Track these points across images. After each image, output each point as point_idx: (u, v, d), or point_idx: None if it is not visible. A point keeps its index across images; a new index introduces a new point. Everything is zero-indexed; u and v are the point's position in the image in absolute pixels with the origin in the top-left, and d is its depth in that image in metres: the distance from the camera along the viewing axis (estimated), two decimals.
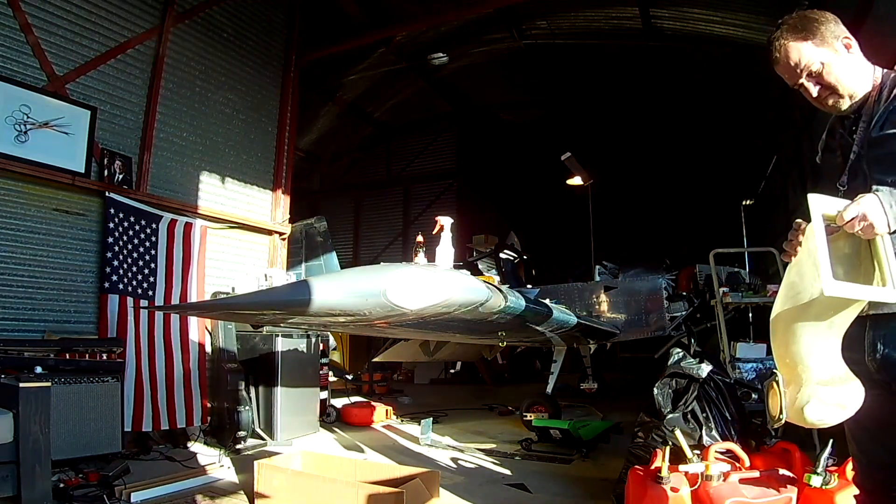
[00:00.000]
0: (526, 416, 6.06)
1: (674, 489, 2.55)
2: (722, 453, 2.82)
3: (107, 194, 4.95)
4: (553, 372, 6.37)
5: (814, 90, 1.65)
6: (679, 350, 3.71)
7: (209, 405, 5.46)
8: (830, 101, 1.65)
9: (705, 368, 3.41)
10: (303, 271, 7.24)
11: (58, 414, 3.47)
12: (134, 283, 5.08)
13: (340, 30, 7.91)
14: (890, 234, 1.39)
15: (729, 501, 2.46)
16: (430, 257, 3.46)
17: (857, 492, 1.80)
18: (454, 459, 4.88)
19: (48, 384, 3.17)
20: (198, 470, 4.29)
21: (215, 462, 4.53)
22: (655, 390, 3.48)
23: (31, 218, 4.53)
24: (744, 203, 9.58)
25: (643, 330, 6.84)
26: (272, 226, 6.73)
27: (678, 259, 7.35)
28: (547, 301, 5.12)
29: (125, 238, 5.06)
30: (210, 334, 5.66)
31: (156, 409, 4.97)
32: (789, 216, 8.48)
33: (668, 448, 2.76)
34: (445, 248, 3.44)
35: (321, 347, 6.22)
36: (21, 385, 3.01)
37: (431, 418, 5.91)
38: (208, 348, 5.63)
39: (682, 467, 2.65)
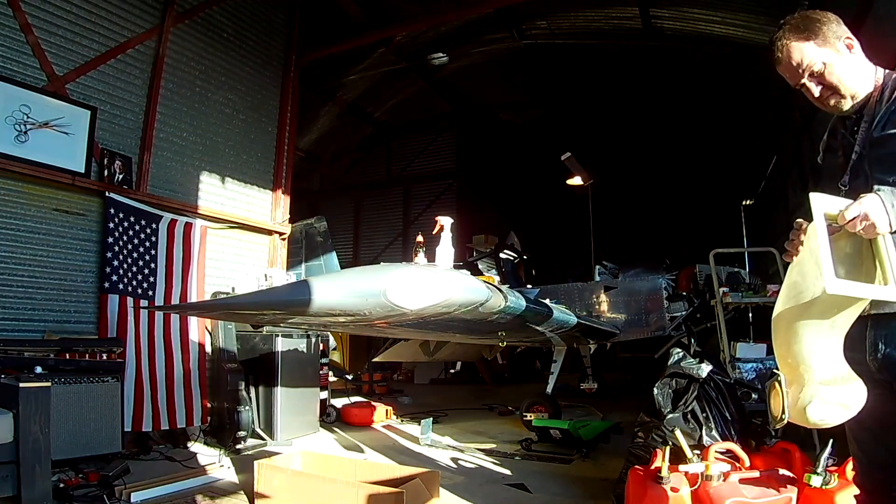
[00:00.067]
0: (526, 416, 6.06)
1: (674, 489, 2.55)
2: (722, 453, 2.82)
3: (107, 194, 4.94)
4: (553, 372, 6.37)
5: (816, 90, 1.66)
6: (679, 350, 3.71)
7: (209, 405, 5.46)
8: (832, 102, 1.66)
9: (705, 368, 3.41)
10: (303, 271, 7.24)
11: (58, 414, 3.47)
12: (134, 283, 5.08)
13: (340, 30, 7.91)
14: (891, 233, 1.39)
15: (729, 501, 2.46)
16: (430, 257, 3.46)
17: (857, 492, 1.81)
18: (454, 459, 4.88)
19: (48, 384, 3.17)
20: (198, 470, 4.29)
21: (215, 462, 4.53)
22: (655, 390, 3.48)
23: (31, 218, 4.52)
24: (744, 203, 9.58)
25: (643, 330, 6.84)
26: (272, 226, 6.73)
27: (678, 259, 7.35)
28: (547, 301, 5.13)
29: (125, 238, 5.06)
30: (210, 334, 5.66)
31: (156, 409, 4.97)
32: (789, 216, 8.51)
33: (668, 448, 2.76)
34: (445, 248, 3.44)
35: (321, 347, 6.22)
36: (21, 385, 3.01)
37: (431, 418, 5.91)
38: (208, 348, 5.63)
39: (682, 467, 2.65)
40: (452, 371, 10.26)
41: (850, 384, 1.46)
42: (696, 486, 2.56)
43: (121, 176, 5.12)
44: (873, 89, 1.63)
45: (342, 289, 2.23)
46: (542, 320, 4.33)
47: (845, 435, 1.75)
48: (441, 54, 8.53)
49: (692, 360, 3.52)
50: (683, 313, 6.67)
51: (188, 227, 5.58)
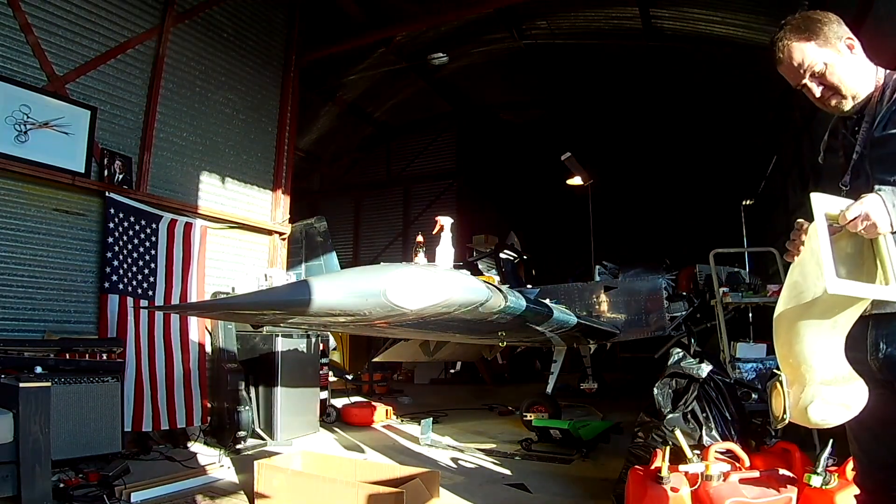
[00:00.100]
0: (526, 416, 6.06)
1: (674, 489, 2.55)
2: (722, 453, 2.82)
3: (107, 194, 4.94)
4: (553, 372, 6.37)
5: (817, 91, 1.66)
6: (679, 350, 3.71)
7: (209, 405, 5.46)
8: (833, 102, 1.66)
9: (705, 368, 3.41)
10: (303, 271, 7.24)
11: (58, 414, 3.47)
12: (134, 283, 5.07)
13: (340, 30, 7.91)
14: (892, 233, 1.39)
15: (729, 501, 2.46)
16: (430, 257, 3.46)
17: (857, 492, 1.81)
18: (454, 459, 4.88)
19: (48, 384, 3.17)
20: (198, 470, 4.29)
21: (215, 462, 4.53)
22: (655, 390, 3.48)
23: (31, 218, 4.52)
24: (744, 203, 9.57)
25: (643, 330, 6.84)
26: (272, 226, 6.73)
27: (678, 259, 7.35)
28: (547, 301, 5.13)
29: (125, 238, 5.06)
30: (210, 334, 5.65)
31: (156, 409, 4.97)
32: (789, 216, 8.52)
33: (668, 448, 2.76)
34: (445, 248, 3.44)
35: (321, 347, 6.22)
36: (21, 385, 3.01)
37: (431, 418, 5.91)
38: (208, 348, 5.62)
39: (682, 467, 2.65)
40: (452, 371, 10.26)
41: (851, 384, 1.46)
42: (696, 486, 2.56)
43: (121, 176, 5.12)
44: (874, 89, 1.64)
45: (342, 289, 2.23)
46: (542, 320, 4.33)
47: (845, 435, 1.75)
48: (441, 54, 8.53)
49: (692, 360, 3.52)
50: (683, 313, 6.67)
51: (188, 227, 5.58)
